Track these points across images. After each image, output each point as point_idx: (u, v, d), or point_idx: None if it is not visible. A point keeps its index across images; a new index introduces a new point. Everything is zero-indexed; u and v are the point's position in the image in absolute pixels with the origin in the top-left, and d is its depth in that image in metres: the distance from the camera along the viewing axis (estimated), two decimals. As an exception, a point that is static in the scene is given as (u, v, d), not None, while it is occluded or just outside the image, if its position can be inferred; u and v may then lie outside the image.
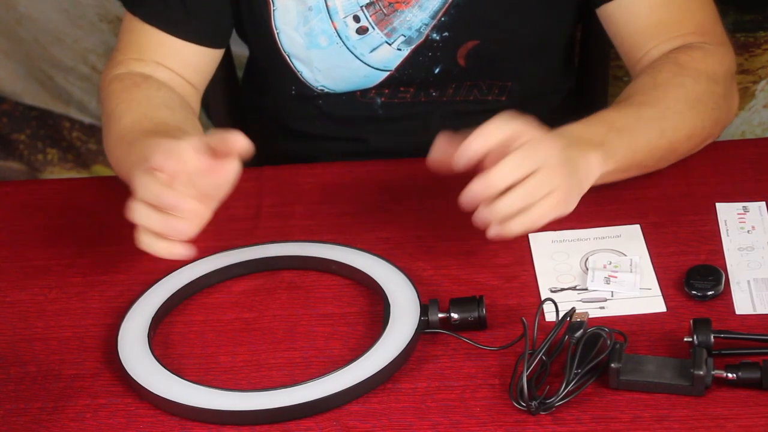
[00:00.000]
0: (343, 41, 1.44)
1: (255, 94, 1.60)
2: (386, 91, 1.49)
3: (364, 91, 1.49)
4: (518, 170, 1.14)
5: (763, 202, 1.30)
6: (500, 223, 1.15)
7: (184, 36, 1.42)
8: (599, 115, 1.28)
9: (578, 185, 1.20)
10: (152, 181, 1.15)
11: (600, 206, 1.27)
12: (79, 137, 2.34)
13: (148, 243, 1.17)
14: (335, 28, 1.43)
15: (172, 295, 1.23)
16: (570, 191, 1.18)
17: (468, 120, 1.51)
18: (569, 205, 1.19)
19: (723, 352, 1.10)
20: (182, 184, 1.15)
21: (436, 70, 1.46)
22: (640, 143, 1.27)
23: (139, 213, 1.16)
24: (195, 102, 1.46)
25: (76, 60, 2.25)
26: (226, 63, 1.67)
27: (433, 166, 1.20)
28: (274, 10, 1.44)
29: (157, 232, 1.16)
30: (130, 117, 1.35)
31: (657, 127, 1.28)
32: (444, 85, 1.48)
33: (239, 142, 1.15)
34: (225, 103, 1.73)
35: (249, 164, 1.68)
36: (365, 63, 1.46)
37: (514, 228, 1.15)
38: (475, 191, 1.14)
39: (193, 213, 1.15)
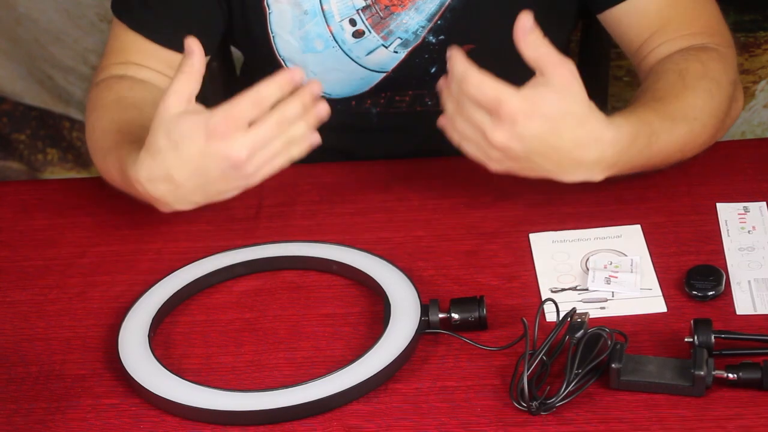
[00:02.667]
0: (339, 45, 1.44)
1: None
2: (381, 101, 1.48)
3: (360, 101, 1.49)
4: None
5: (764, 202, 1.30)
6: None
7: (170, 45, 1.41)
8: (641, 115, 1.25)
9: (547, 172, 1.20)
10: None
11: (600, 206, 1.27)
12: (79, 137, 2.34)
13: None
14: (331, 32, 1.43)
15: (173, 295, 1.23)
16: (526, 167, 1.19)
17: None
18: (520, 170, 1.20)
19: (724, 352, 1.10)
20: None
21: (433, 70, 1.46)
22: (660, 154, 1.26)
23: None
24: None
25: (76, 60, 2.25)
26: (227, 65, 1.67)
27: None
28: (269, 14, 1.44)
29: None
30: (99, 126, 1.35)
31: (681, 141, 1.27)
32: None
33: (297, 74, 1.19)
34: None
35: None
36: (361, 65, 1.45)
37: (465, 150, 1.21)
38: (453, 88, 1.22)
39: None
